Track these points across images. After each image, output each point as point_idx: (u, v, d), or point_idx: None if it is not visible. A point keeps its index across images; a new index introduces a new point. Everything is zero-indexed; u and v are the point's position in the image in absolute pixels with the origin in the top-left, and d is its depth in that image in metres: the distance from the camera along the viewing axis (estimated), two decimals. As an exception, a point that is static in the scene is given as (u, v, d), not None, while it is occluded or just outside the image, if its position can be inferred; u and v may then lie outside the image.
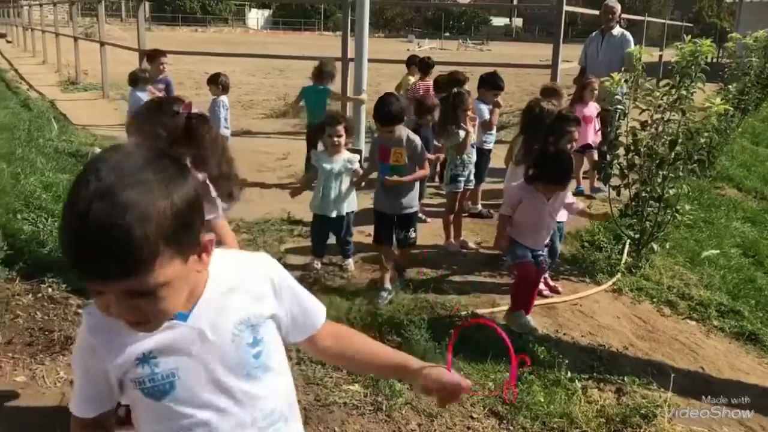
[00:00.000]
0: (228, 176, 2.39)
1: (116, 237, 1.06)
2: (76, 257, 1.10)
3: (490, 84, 6.69)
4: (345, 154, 5.03)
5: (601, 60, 8.32)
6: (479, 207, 6.73)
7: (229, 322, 1.37)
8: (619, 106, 5.24)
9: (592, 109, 7.24)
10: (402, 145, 4.55)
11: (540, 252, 4.41)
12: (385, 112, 4.46)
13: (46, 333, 3.25)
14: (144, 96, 7.46)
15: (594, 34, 8.97)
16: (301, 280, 4.50)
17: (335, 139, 4.92)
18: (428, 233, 6.17)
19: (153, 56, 8.57)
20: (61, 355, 3.08)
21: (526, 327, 4.25)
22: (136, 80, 7.54)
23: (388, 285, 4.66)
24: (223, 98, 7.93)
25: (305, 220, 6.21)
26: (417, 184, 4.95)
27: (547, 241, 4.52)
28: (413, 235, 4.81)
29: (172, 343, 1.32)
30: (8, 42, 32.42)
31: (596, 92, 7.22)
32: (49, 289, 3.71)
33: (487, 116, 6.55)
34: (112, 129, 10.42)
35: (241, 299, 1.40)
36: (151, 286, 1.14)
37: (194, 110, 2.30)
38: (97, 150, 7.68)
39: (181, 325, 1.32)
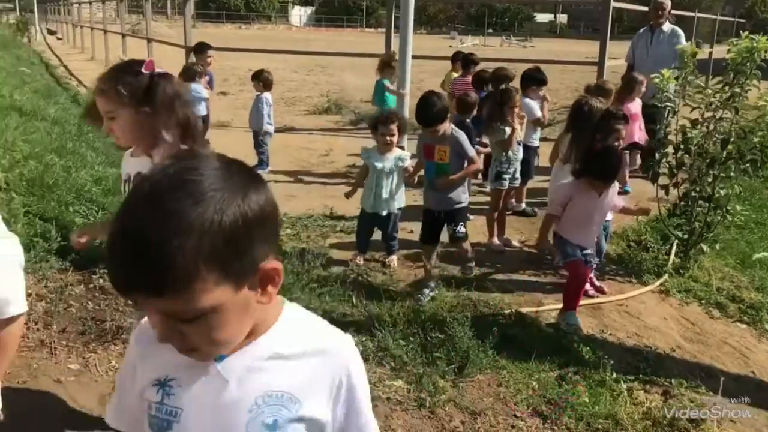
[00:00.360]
0: (192, 135, 2.29)
1: (146, 245, 0.94)
2: (108, 259, 1.01)
3: (533, 79, 6.64)
4: (396, 152, 5.05)
5: (650, 57, 8.15)
6: (523, 205, 6.68)
7: (259, 388, 1.14)
8: (668, 104, 5.14)
9: (638, 106, 7.12)
10: (446, 143, 4.53)
11: (588, 251, 4.39)
12: (427, 113, 4.43)
13: (98, 323, 3.33)
14: (199, 88, 7.56)
15: (642, 30, 8.78)
16: (343, 276, 4.55)
17: (388, 138, 4.92)
18: (471, 231, 6.12)
19: (200, 49, 8.69)
20: (113, 345, 3.15)
21: (574, 326, 4.21)
22: (191, 74, 7.63)
23: (431, 282, 4.65)
24: (267, 95, 8.03)
25: (347, 216, 6.25)
26: (467, 179, 4.93)
27: (592, 241, 4.48)
28: (463, 229, 4.76)
29: (194, 379, 1.14)
30: (58, 39, 33.27)
31: (643, 89, 7.09)
32: (101, 280, 3.80)
33: (538, 113, 6.49)
34: (159, 124, 10.60)
35: (290, 374, 1.16)
36: (189, 311, 0.99)
37: (158, 70, 2.26)
38: None
39: (213, 364, 1.13)
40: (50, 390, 2.77)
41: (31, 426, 2.52)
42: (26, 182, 4.92)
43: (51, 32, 36.37)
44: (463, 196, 4.72)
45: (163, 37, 20.70)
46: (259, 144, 8.02)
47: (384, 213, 5.09)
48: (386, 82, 8.11)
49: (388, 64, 8.13)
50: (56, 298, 3.43)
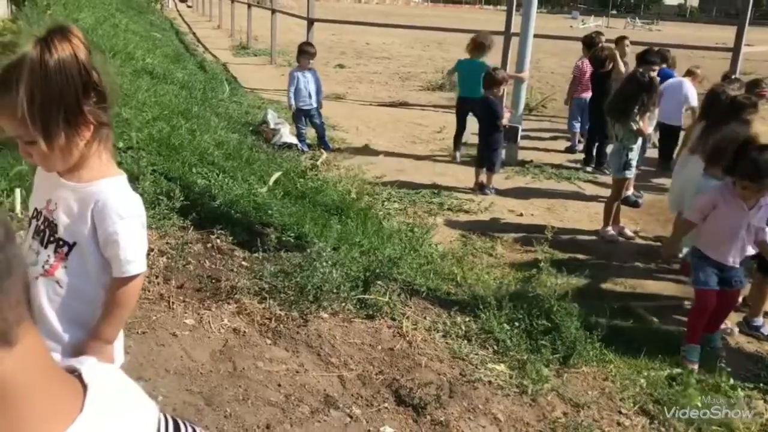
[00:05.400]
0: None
1: None
2: None
3: (644, 60, 6.38)
4: None
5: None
6: (629, 192, 6.33)
7: None
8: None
9: None
10: None
11: (733, 271, 3.80)
12: None
13: (214, 281, 3.47)
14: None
15: None
16: (450, 254, 4.52)
17: None
18: (584, 218, 5.97)
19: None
20: (226, 303, 3.27)
21: (693, 363, 3.75)
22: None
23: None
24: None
25: (455, 196, 6.22)
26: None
27: (738, 260, 3.81)
28: None
29: None
30: (189, 7, 34.70)
31: None
32: (218, 240, 3.94)
33: (693, 103, 6.26)
34: (278, 93, 10.88)
35: None
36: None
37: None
38: (271, 112, 8.03)
39: None
40: (166, 342, 2.91)
41: (148, 376, 2.67)
42: (155, 142, 5.17)
43: (182, 0, 37.96)
44: None
45: (286, 9, 21.16)
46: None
47: None
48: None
49: (484, 45, 7.58)
50: (176, 254, 3.59)
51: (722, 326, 4.07)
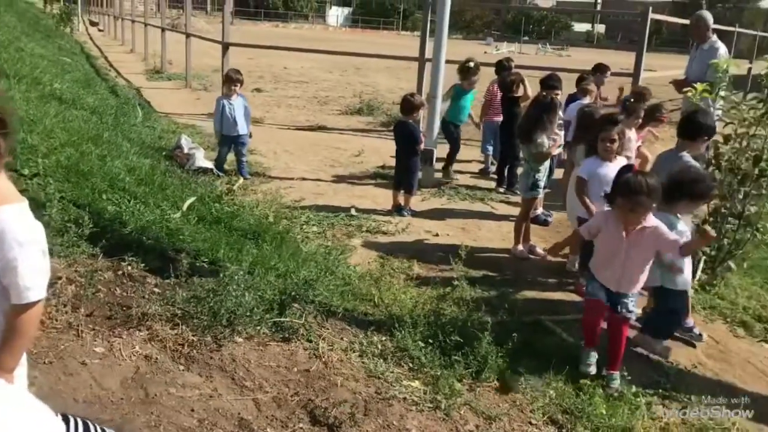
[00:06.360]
0: None
1: None
2: None
3: (546, 85, 6.70)
4: None
5: (692, 71, 8.05)
6: (539, 211, 6.60)
7: None
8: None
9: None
10: None
11: (619, 297, 3.81)
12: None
13: (125, 308, 3.40)
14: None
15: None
16: (367, 275, 4.57)
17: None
18: (496, 237, 6.15)
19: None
20: (138, 331, 3.22)
21: (588, 366, 3.88)
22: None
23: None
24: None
25: (373, 218, 6.30)
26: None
27: (634, 289, 3.83)
28: None
29: None
30: (100, 31, 33.85)
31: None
32: (129, 267, 3.87)
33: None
34: (193, 118, 10.76)
35: None
36: None
37: None
38: (185, 137, 7.93)
39: None
40: (75, 371, 2.84)
41: (55, 407, 2.59)
42: (62, 169, 5.03)
43: (93, 23, 36.99)
44: None
45: (201, 33, 20.97)
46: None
47: None
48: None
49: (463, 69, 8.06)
50: (85, 282, 3.51)
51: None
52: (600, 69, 8.85)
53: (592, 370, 3.83)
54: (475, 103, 8.59)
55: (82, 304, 3.35)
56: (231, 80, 7.60)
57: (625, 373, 3.80)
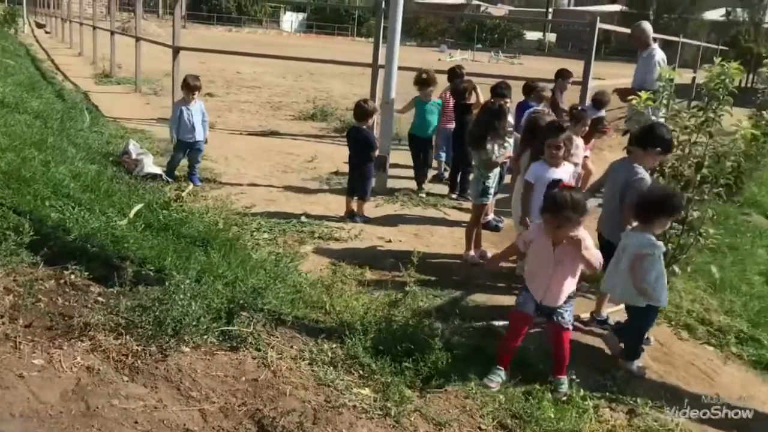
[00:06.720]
0: None
1: None
2: None
3: (495, 93, 6.80)
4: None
5: (635, 79, 8.23)
6: (489, 217, 6.67)
7: None
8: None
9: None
10: None
11: (555, 311, 3.85)
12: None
13: (66, 318, 3.30)
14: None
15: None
16: (318, 282, 4.53)
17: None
18: (449, 243, 6.18)
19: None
20: (79, 341, 3.12)
21: (489, 381, 3.75)
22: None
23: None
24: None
25: (326, 224, 6.27)
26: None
27: (558, 302, 3.83)
28: None
29: None
30: (47, 33, 33.04)
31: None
32: (72, 276, 3.76)
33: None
34: (142, 123, 10.56)
35: None
36: None
37: None
38: (133, 143, 7.77)
39: None
40: (11, 384, 2.74)
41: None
42: (2, 175, 4.88)
43: (39, 25, 36.10)
44: None
45: (152, 37, 20.64)
46: None
47: None
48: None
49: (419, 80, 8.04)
50: (24, 292, 3.39)
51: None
52: (562, 75, 9.05)
53: (493, 387, 3.71)
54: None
55: (21, 315, 3.23)
56: (189, 87, 7.48)
57: (573, 376, 3.85)
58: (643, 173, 4.51)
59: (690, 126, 4.97)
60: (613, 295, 4.38)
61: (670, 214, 4.11)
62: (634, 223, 4.16)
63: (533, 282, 3.90)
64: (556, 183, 4.49)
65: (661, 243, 4.12)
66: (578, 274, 3.90)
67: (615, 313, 4.85)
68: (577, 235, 3.67)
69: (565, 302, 3.87)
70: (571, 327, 3.96)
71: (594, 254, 3.78)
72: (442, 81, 8.69)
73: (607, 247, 4.44)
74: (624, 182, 4.51)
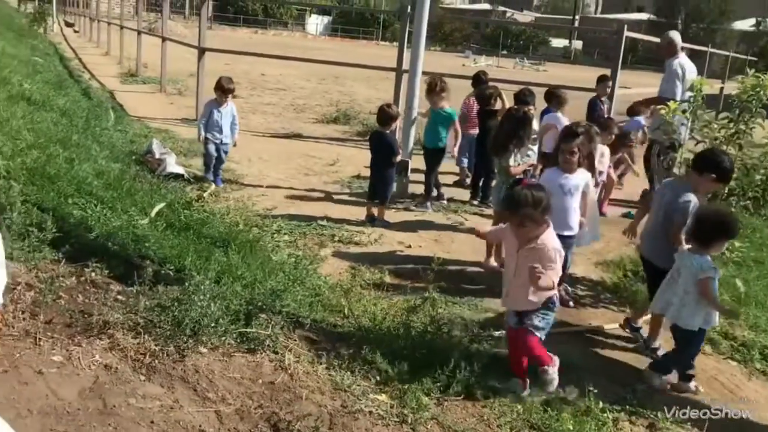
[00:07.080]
0: None
1: None
2: None
3: (519, 100, 6.76)
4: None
5: (660, 89, 8.12)
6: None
7: None
8: (674, 136, 5.15)
9: None
10: None
11: (531, 312, 3.71)
12: None
13: (86, 316, 3.31)
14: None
15: None
16: (338, 286, 4.52)
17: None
18: (469, 250, 6.14)
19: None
20: (98, 339, 3.13)
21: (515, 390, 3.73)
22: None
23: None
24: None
25: (346, 228, 6.26)
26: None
27: (519, 307, 3.73)
28: None
29: None
30: (75, 32, 33.48)
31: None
32: (92, 274, 3.78)
33: None
34: (166, 122, 10.64)
35: None
36: None
37: None
38: (156, 142, 7.83)
39: None
40: (30, 380, 2.75)
41: (8, 418, 2.50)
42: (27, 171, 4.92)
43: (68, 24, 36.60)
44: None
45: (178, 37, 20.81)
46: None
47: None
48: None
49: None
50: (45, 288, 3.41)
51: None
52: (603, 80, 8.94)
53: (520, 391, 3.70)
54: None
55: (41, 311, 3.25)
56: (223, 89, 7.51)
57: (592, 388, 3.79)
58: (691, 197, 4.22)
59: (720, 137, 4.90)
60: (665, 316, 4.21)
61: (728, 237, 4.01)
62: (686, 246, 4.06)
63: (503, 285, 3.86)
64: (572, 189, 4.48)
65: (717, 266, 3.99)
66: (549, 284, 3.60)
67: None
68: (537, 268, 3.46)
69: (539, 310, 3.69)
70: (539, 335, 3.71)
71: (547, 281, 3.53)
72: (466, 86, 8.65)
73: (647, 266, 4.36)
74: (668, 203, 4.35)
